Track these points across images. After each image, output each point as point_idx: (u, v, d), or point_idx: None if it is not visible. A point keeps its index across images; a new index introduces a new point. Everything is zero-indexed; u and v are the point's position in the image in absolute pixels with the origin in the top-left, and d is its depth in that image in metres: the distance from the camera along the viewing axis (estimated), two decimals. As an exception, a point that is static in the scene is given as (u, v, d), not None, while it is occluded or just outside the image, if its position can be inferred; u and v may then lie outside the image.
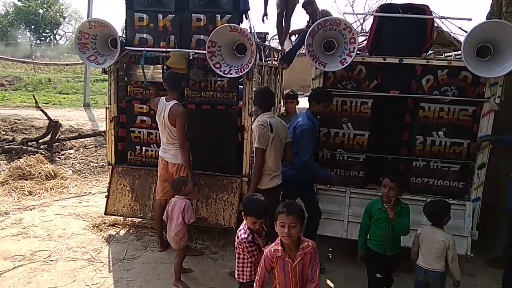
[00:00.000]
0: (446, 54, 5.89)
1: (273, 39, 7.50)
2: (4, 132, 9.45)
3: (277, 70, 6.66)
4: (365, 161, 4.46)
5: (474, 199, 4.18)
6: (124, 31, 4.86)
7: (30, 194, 5.96)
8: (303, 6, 6.54)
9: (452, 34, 6.37)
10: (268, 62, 5.57)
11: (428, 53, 4.50)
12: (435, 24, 4.76)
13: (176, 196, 3.84)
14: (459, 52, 4.95)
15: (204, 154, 4.73)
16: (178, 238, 3.73)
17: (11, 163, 6.90)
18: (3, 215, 5.20)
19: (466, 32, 4.02)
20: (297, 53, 6.58)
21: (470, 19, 4.27)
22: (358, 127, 4.41)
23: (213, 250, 4.50)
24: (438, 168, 4.33)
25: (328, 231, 4.36)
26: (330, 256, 4.47)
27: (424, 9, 4.27)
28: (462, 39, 4.37)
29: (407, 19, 4.20)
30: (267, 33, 6.59)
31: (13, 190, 6.03)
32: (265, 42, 5.93)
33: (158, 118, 4.25)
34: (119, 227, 4.96)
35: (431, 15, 4.34)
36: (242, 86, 4.66)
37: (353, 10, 11.07)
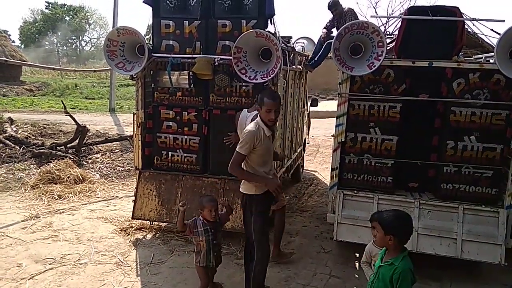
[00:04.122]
0: (476, 56, 5.76)
1: (297, 42, 7.49)
2: (33, 137, 9.71)
3: (301, 74, 6.63)
4: (394, 167, 4.37)
5: (508, 206, 4.05)
6: (151, 38, 4.93)
7: (60, 198, 6.10)
8: (329, 8, 6.52)
9: (482, 36, 6.18)
10: (293, 66, 5.55)
11: (459, 55, 4.39)
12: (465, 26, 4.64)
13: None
14: (490, 54, 4.85)
15: (229, 159, 4.73)
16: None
17: (41, 168, 7.08)
18: (34, 219, 5.34)
19: (499, 34, 3.90)
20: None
21: (503, 21, 4.14)
22: (386, 132, 4.34)
23: (239, 255, 4.49)
24: (470, 174, 4.21)
25: (354, 237, 4.30)
26: (358, 264, 4.40)
27: (454, 11, 4.17)
28: (494, 41, 4.24)
29: (436, 21, 4.11)
30: (290, 37, 6.58)
31: (43, 194, 6.17)
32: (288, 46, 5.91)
33: (238, 129, 4.26)
34: (146, 231, 5.02)
35: (462, 17, 4.24)
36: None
37: (375, 12, 10.97)
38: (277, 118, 3.36)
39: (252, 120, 4.05)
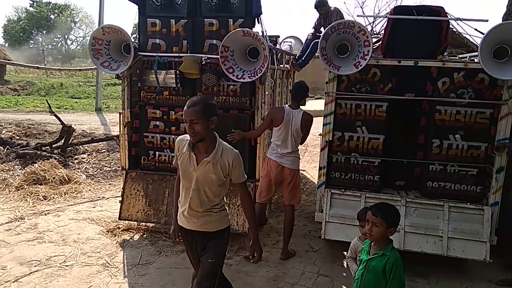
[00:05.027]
0: (460, 56, 5.83)
1: (284, 41, 7.51)
2: (18, 137, 9.53)
3: (289, 73, 6.65)
4: (380, 165, 4.41)
5: (492, 203, 4.11)
6: (137, 37, 4.89)
7: (45, 199, 6.01)
8: (316, 8, 6.55)
9: (466, 36, 6.28)
10: (280, 65, 5.55)
11: (444, 54, 4.45)
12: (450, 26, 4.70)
13: None
14: (475, 53, 4.91)
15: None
16: None
17: (25, 168, 6.97)
18: (18, 220, 5.25)
19: (483, 33, 3.96)
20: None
21: (487, 20, 4.21)
22: (373, 131, 4.37)
23: (227, 255, 4.47)
24: (455, 172, 4.27)
25: (342, 236, 4.32)
26: (345, 263, 4.43)
27: (439, 11, 4.23)
28: (478, 40, 4.31)
29: (422, 21, 4.15)
30: (278, 36, 6.59)
31: (28, 195, 6.08)
32: (276, 45, 5.92)
33: (285, 125, 4.27)
34: (133, 232, 4.97)
35: (446, 16, 4.29)
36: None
37: (362, 11, 11.06)
38: (196, 132, 2.57)
39: (302, 118, 4.27)
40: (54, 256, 4.37)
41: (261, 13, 4.71)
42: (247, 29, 4.26)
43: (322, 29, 6.65)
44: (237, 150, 2.76)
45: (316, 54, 5.42)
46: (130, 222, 5.02)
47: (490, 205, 4.10)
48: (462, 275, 4.23)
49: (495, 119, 4.08)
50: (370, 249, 2.64)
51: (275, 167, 4.34)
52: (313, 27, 6.77)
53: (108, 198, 6.28)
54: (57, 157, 7.68)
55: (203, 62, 4.54)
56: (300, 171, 7.86)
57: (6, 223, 5.17)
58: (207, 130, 2.61)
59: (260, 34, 4.56)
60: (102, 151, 8.68)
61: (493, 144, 4.08)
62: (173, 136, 4.87)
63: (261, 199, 4.48)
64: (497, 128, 4.04)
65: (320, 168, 4.53)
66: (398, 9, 4.53)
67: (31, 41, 48.07)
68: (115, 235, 4.88)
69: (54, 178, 6.57)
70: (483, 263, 4.07)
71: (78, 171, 7.38)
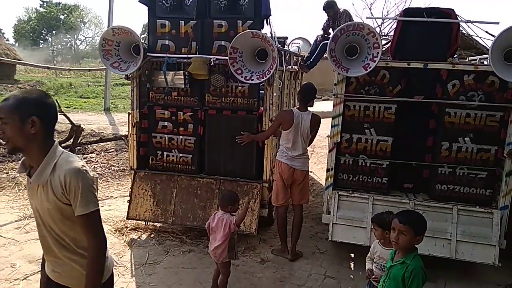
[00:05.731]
0: (470, 58, 5.79)
1: (292, 43, 7.52)
2: (27, 136, 9.63)
3: (297, 75, 6.64)
4: (389, 168, 4.39)
5: (502, 207, 4.07)
6: (146, 38, 4.92)
7: (54, 198, 6.05)
8: (324, 9, 6.56)
9: (477, 38, 6.23)
10: (289, 67, 5.55)
11: (453, 57, 4.42)
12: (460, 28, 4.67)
13: (220, 210, 3.69)
14: (485, 56, 4.88)
15: (225, 159, 4.78)
16: (218, 253, 3.61)
17: (35, 167, 7.03)
18: (28, 218, 5.30)
19: (494, 36, 3.93)
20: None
21: (498, 23, 4.18)
22: (382, 133, 4.35)
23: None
24: (464, 175, 4.23)
25: (350, 238, 4.31)
26: (353, 265, 4.42)
27: (449, 13, 4.20)
28: (488, 43, 4.28)
29: (432, 23, 4.13)
30: (286, 38, 6.60)
31: (37, 193, 6.13)
32: (284, 47, 5.93)
33: (295, 128, 4.30)
34: (140, 232, 5.00)
35: (456, 19, 4.26)
36: (262, 91, 4.67)
37: (371, 13, 11.02)
38: (6, 136, 1.77)
39: (311, 120, 4.33)
40: (63, 254, 4.40)
41: (270, 15, 4.72)
42: (256, 30, 4.27)
43: (330, 30, 6.65)
44: (78, 165, 1.81)
45: (325, 56, 5.42)
46: (138, 221, 5.05)
47: (500, 209, 4.06)
48: (470, 278, 4.19)
49: (505, 122, 4.05)
50: (395, 256, 2.59)
51: (287, 170, 4.36)
52: (322, 29, 6.78)
53: (116, 197, 6.31)
54: (66, 156, 7.73)
55: (212, 63, 4.55)
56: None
57: (16, 221, 5.23)
58: (22, 136, 1.75)
59: (269, 35, 4.58)
60: (111, 150, 8.75)
61: (503, 147, 4.05)
62: (181, 137, 4.90)
63: (279, 201, 4.50)
64: (507, 131, 4.01)
65: (327, 170, 4.52)
66: (408, 11, 4.51)
67: (41, 41, 48.55)
68: (123, 234, 4.91)
69: (63, 177, 6.62)
70: (492, 266, 4.03)
71: (86, 171, 7.43)
